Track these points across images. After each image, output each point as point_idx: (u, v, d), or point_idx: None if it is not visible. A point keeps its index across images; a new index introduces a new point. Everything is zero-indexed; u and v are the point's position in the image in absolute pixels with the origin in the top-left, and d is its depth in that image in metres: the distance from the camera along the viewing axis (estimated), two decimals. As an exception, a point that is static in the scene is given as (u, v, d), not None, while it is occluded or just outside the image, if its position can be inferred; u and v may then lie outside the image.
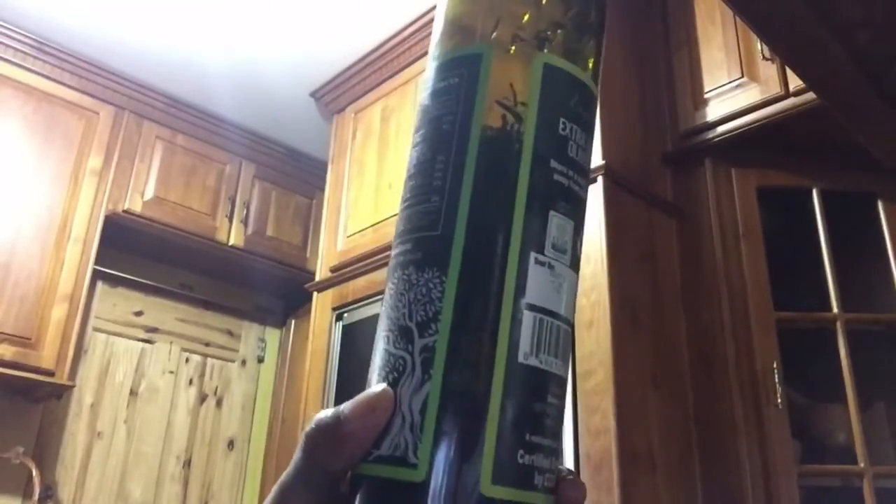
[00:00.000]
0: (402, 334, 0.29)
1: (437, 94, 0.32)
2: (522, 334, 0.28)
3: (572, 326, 0.31)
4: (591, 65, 0.32)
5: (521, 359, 0.28)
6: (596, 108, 0.33)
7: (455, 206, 0.29)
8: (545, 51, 0.31)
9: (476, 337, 0.28)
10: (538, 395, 0.28)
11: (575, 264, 0.31)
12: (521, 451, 0.27)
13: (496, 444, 0.27)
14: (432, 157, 0.31)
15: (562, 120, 0.30)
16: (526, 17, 0.32)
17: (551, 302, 0.29)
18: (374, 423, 0.28)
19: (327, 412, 0.30)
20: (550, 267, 0.29)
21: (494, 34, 0.31)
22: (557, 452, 0.29)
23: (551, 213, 0.29)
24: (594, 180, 1.61)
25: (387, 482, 0.28)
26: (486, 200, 0.29)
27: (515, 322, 0.28)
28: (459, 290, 0.28)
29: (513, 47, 0.31)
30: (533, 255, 0.29)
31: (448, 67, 0.32)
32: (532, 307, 0.28)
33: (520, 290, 0.28)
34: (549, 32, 0.31)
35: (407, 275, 0.30)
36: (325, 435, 0.29)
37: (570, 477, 0.30)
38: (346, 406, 0.29)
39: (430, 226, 0.29)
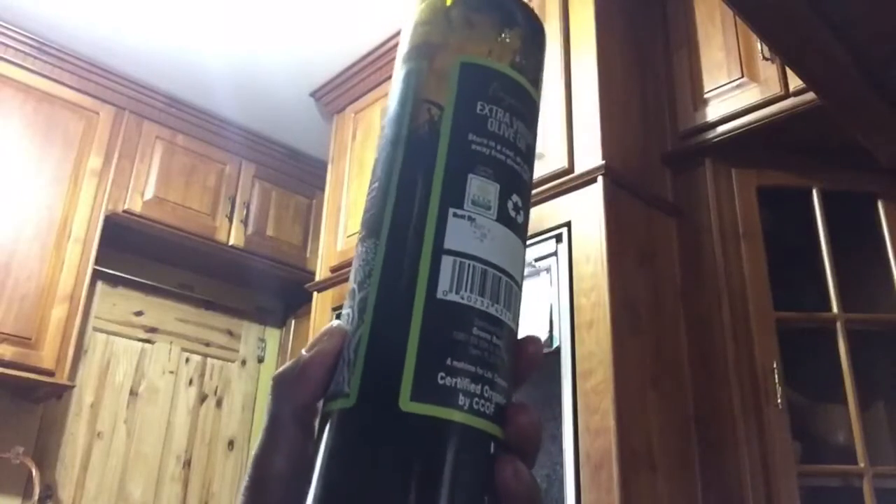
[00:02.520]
0: (350, 296, 0.34)
1: (387, 111, 0.37)
2: (441, 275, 0.31)
3: (508, 274, 0.33)
4: (512, 60, 0.37)
5: (439, 295, 0.31)
6: (524, 93, 0.37)
7: (388, 185, 0.34)
8: (464, 54, 0.36)
9: (399, 280, 0.32)
10: (459, 326, 0.31)
11: (506, 220, 0.34)
12: (441, 374, 0.30)
13: (415, 365, 0.30)
14: (378, 158, 0.36)
15: (479, 103, 0.35)
16: (452, 37, 0.38)
17: (472, 248, 0.32)
18: (325, 349, 0.32)
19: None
20: (470, 219, 0.33)
21: (427, 55, 0.37)
22: (497, 384, 0.31)
23: (470, 175, 0.33)
24: (594, 180, 1.61)
25: (331, 414, 0.31)
26: (411, 173, 0.34)
27: (434, 265, 0.32)
28: (388, 246, 0.33)
29: (438, 59, 0.37)
30: (451, 209, 0.33)
31: (394, 88, 0.38)
32: (450, 252, 0.32)
33: (439, 238, 0.32)
34: (468, 42, 0.37)
35: (356, 252, 0.35)
36: (287, 372, 0.34)
37: (517, 404, 0.32)
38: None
39: (371, 208, 0.35)
